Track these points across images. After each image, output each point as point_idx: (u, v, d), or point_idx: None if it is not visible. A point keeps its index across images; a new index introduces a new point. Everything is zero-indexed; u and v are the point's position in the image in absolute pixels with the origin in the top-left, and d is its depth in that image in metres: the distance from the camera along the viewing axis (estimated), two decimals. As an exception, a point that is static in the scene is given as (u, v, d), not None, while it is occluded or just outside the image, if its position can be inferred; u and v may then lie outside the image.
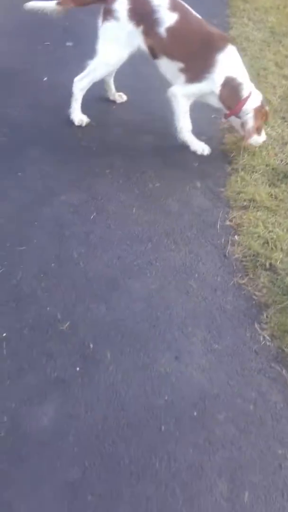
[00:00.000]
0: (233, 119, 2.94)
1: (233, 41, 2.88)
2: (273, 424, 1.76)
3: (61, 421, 1.63)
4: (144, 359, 1.88)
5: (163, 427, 1.68)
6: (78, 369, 1.80)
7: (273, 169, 2.97)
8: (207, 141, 3.09)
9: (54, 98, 3.17)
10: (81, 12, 4.21)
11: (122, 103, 3.31)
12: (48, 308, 1.98)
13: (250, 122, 2.81)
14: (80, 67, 3.46)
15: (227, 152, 3.12)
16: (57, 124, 2.97)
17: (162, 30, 2.66)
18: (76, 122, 3.02)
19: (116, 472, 1.54)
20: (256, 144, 2.99)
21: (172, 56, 2.74)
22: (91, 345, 1.88)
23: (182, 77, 2.79)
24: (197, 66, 2.74)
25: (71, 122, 3.00)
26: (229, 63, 2.73)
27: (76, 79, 2.93)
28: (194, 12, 2.77)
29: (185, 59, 2.73)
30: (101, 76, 2.96)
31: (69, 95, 3.24)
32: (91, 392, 1.73)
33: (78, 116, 3.01)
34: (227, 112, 2.88)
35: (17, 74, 3.31)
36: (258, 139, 2.95)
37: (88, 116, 3.09)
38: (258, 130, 2.89)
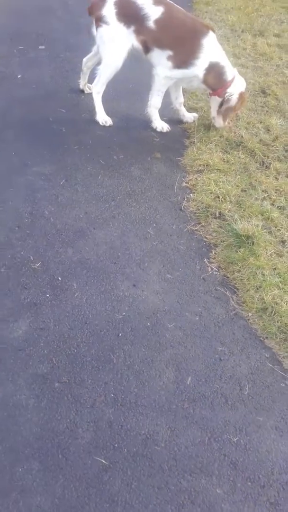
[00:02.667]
0: (213, 98, 3.21)
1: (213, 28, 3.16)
2: (215, 329, 2.06)
3: (33, 333, 1.94)
4: (105, 286, 2.19)
5: (120, 334, 1.99)
6: (48, 295, 2.10)
7: (226, 139, 3.31)
8: (167, 122, 3.45)
9: (26, 91, 3.55)
10: (54, 18, 4.67)
11: (89, 94, 3.67)
12: (22, 253, 2.29)
13: (232, 103, 3.11)
14: (51, 67, 3.87)
15: (185, 130, 3.49)
16: (29, 113, 3.32)
17: (151, 24, 2.94)
18: (100, 122, 3.32)
19: (79, 366, 1.84)
20: (219, 125, 3.30)
21: (162, 45, 2.99)
22: (60, 278, 2.19)
23: (169, 64, 3.04)
24: (184, 52, 3.00)
25: (41, 111, 3.36)
26: (212, 48, 2.99)
27: (93, 84, 3.27)
28: (175, 4, 3.06)
29: (174, 46, 2.98)
30: (110, 75, 3.19)
31: (40, 89, 3.62)
32: (59, 312, 2.04)
33: (102, 117, 3.32)
34: (210, 92, 3.16)
35: (-6, 73, 3.69)
36: (221, 122, 3.25)
37: (60, 105, 3.45)
38: (233, 112, 3.18)
